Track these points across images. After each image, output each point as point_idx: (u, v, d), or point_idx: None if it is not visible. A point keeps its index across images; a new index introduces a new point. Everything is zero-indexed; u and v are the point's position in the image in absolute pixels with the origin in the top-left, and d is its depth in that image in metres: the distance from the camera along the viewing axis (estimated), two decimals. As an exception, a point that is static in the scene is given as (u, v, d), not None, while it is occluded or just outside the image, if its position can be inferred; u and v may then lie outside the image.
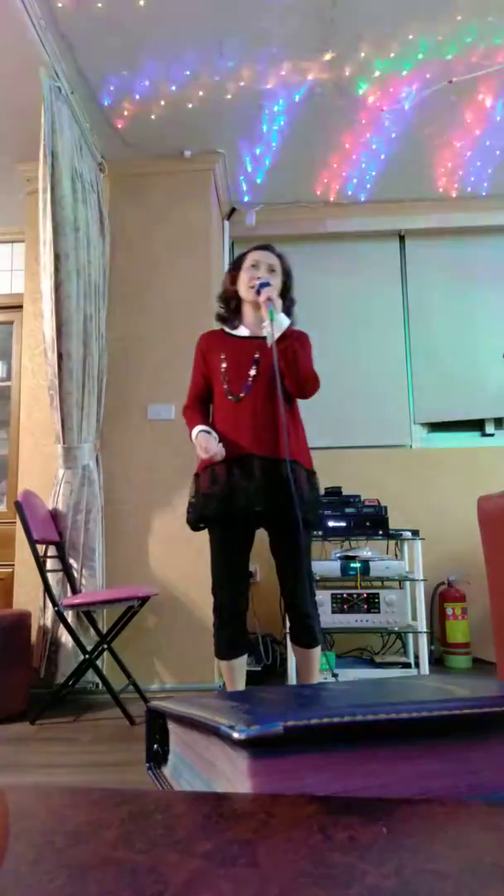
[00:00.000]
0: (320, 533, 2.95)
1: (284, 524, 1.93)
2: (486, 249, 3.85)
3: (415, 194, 3.72)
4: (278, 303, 1.98)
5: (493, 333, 3.77)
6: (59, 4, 2.40)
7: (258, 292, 1.98)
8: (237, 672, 1.98)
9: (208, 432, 1.95)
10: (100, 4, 2.41)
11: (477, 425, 3.74)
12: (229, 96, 2.91)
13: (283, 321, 1.97)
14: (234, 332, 2.11)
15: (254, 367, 2.00)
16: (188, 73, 2.77)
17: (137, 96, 2.91)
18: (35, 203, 2.89)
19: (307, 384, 1.97)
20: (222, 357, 2.05)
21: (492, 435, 3.72)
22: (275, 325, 1.93)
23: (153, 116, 3.04)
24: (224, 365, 2.03)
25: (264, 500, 1.88)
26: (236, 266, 2.13)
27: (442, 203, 3.77)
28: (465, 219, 3.79)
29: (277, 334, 1.94)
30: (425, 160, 3.41)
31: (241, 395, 1.98)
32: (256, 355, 2.01)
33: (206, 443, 1.92)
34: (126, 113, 3.01)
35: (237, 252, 3.90)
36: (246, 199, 3.75)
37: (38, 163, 2.68)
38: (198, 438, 1.96)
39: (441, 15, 2.49)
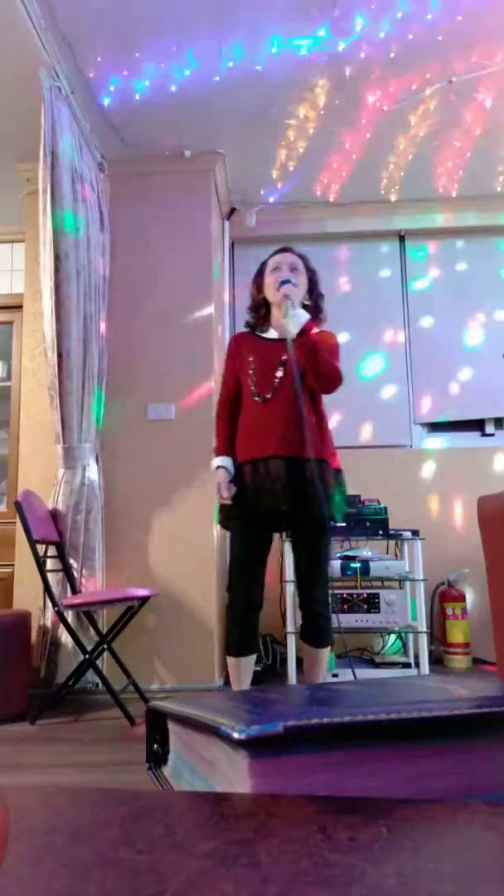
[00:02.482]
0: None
1: (308, 524, 1.97)
2: (486, 249, 3.85)
3: (415, 194, 3.72)
4: (296, 299, 2.00)
5: (493, 333, 3.77)
6: (59, 4, 2.40)
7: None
8: (243, 671, 2.00)
9: (227, 469, 2.03)
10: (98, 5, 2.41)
11: (477, 425, 3.74)
12: (230, 96, 2.91)
13: (301, 316, 1.98)
14: (263, 335, 2.15)
15: (280, 369, 2.04)
16: (188, 73, 2.77)
17: (138, 96, 2.91)
18: (35, 203, 2.89)
19: (328, 379, 1.99)
20: (251, 359, 2.09)
21: (492, 435, 3.72)
22: (290, 321, 1.95)
23: (153, 116, 3.03)
24: (252, 366, 2.08)
25: (289, 500, 1.92)
26: (259, 274, 2.17)
27: (442, 203, 3.77)
28: (465, 219, 3.79)
29: (294, 330, 1.96)
30: (425, 160, 3.41)
31: (268, 395, 2.02)
32: (283, 357, 2.04)
33: (220, 484, 2.02)
34: (126, 113, 3.01)
35: (237, 252, 3.93)
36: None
37: (38, 163, 2.68)
38: (216, 473, 2.05)
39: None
